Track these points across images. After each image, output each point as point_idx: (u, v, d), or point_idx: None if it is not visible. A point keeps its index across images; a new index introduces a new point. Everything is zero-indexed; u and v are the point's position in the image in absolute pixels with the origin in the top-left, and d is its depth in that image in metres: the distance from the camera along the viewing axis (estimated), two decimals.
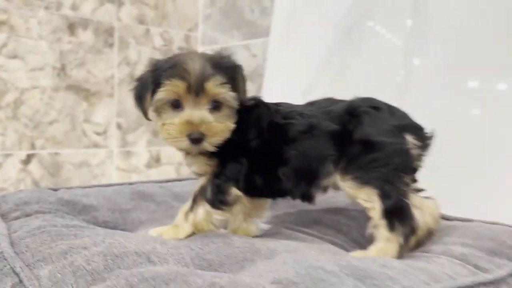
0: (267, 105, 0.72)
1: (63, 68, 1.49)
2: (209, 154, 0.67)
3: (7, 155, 1.41)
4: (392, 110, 0.72)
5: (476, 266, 0.58)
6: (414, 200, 0.68)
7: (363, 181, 0.66)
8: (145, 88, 0.66)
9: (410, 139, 0.70)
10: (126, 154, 1.65)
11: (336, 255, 0.64)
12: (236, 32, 1.64)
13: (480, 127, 0.91)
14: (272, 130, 0.69)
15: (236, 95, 0.65)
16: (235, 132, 0.66)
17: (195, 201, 0.68)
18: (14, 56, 1.40)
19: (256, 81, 1.56)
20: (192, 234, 0.67)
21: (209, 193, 0.67)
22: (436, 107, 0.93)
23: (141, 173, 1.70)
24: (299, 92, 1.20)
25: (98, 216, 0.77)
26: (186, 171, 1.82)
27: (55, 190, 0.86)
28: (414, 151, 0.69)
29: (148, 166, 1.71)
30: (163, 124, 0.65)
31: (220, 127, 0.64)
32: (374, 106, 0.70)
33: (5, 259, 0.54)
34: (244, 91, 0.67)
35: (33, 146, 1.45)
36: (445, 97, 0.94)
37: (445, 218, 0.77)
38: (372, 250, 0.66)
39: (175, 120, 0.64)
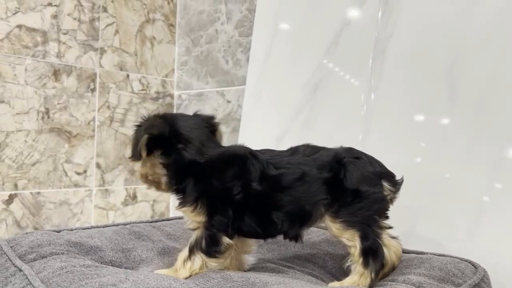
0: (258, 158, 0.79)
1: (47, 111, 1.57)
2: (197, 211, 0.76)
3: None
4: (369, 159, 0.85)
5: None
6: (384, 239, 0.81)
7: (349, 224, 0.78)
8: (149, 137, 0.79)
9: (386, 185, 0.84)
10: (104, 192, 1.72)
11: (317, 285, 0.77)
12: (211, 80, 1.78)
13: (427, 160, 1.07)
14: (265, 180, 0.77)
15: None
16: (219, 184, 0.75)
17: (192, 251, 0.77)
18: (1, 101, 1.46)
19: (230, 124, 1.70)
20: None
21: (203, 244, 0.76)
22: (395, 143, 1.10)
23: (118, 210, 1.77)
24: (272, 136, 1.35)
25: (104, 256, 0.86)
26: (160, 208, 1.91)
27: (58, 232, 0.94)
28: (389, 196, 0.84)
29: (125, 203, 1.78)
30: None
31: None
32: (356, 157, 0.83)
33: None
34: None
35: (15, 187, 1.50)
36: (403, 133, 1.10)
37: (404, 251, 0.92)
38: (347, 281, 0.78)
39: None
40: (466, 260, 0.84)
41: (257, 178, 0.77)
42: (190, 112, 1.84)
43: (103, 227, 1.01)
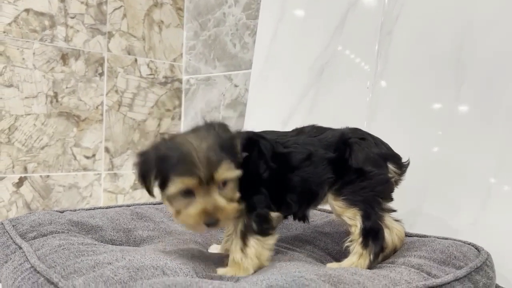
0: (266, 138, 0.78)
1: (55, 96, 1.58)
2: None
3: (0, 178, 1.48)
4: (375, 140, 0.84)
5: (429, 274, 0.71)
6: (387, 221, 0.80)
7: (352, 202, 0.77)
8: (149, 171, 0.68)
9: (391, 167, 0.83)
10: (113, 176, 1.74)
11: (314, 266, 0.76)
12: (218, 64, 1.77)
13: (434, 144, 1.04)
14: (277, 159, 0.76)
15: (238, 167, 0.69)
16: (248, 169, 0.71)
17: (245, 238, 0.73)
18: (10, 85, 1.48)
19: (237, 108, 1.69)
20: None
21: (255, 227, 0.73)
22: (401, 128, 1.08)
23: (127, 194, 1.79)
24: (278, 120, 1.34)
25: (104, 235, 0.87)
26: None
27: (62, 212, 0.95)
28: (394, 178, 0.83)
29: (134, 187, 1.80)
30: (177, 212, 0.68)
31: (232, 207, 0.68)
32: (362, 137, 0.82)
33: (38, 272, 0.63)
34: (241, 156, 0.71)
35: (25, 170, 1.52)
36: (409, 117, 1.08)
37: (406, 234, 0.91)
38: (346, 262, 0.78)
39: (190, 210, 0.66)
40: (469, 243, 0.82)
41: (270, 156, 0.76)
42: (198, 97, 1.85)
43: (106, 208, 1.01)
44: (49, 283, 0.60)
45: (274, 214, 0.75)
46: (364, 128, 1.11)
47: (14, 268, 0.70)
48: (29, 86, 1.52)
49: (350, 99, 1.18)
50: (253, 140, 0.76)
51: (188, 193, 0.67)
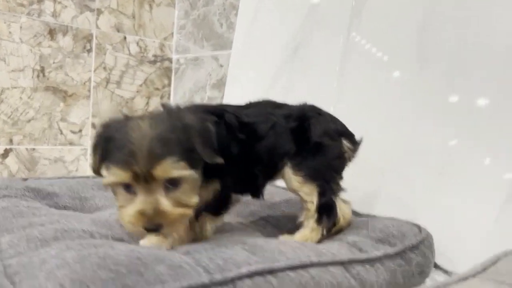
0: (228, 110, 0.74)
1: (42, 70, 1.61)
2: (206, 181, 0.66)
3: None
4: (331, 117, 0.86)
5: (360, 249, 0.71)
6: (338, 198, 0.81)
7: (310, 178, 0.77)
8: (95, 149, 0.63)
9: (345, 143, 0.83)
10: None
11: (264, 238, 0.77)
12: (206, 43, 1.77)
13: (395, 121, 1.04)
14: (244, 130, 0.73)
15: (194, 169, 0.60)
16: (220, 149, 0.64)
17: (200, 214, 0.69)
18: None
19: (222, 89, 1.69)
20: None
21: (214, 208, 0.71)
22: (366, 110, 1.08)
23: None
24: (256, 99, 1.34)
25: (59, 202, 0.89)
26: None
27: (25, 180, 0.98)
28: (347, 155, 0.83)
29: None
30: (120, 207, 0.61)
31: (178, 212, 0.60)
32: (319, 113, 0.83)
33: None
34: (207, 153, 0.61)
35: (11, 142, 1.56)
36: (372, 99, 1.08)
37: (356, 214, 0.91)
38: (298, 235, 0.77)
39: (127, 209, 0.59)
40: (412, 224, 0.82)
41: (237, 128, 0.73)
42: (187, 76, 1.86)
43: (70, 178, 1.04)
44: None
45: (233, 197, 0.73)
46: (332, 109, 1.11)
47: None
48: (15, 59, 1.55)
49: (320, 81, 1.18)
50: (218, 113, 0.71)
51: (129, 188, 0.59)
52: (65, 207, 0.89)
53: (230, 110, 0.75)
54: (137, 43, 1.83)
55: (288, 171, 0.78)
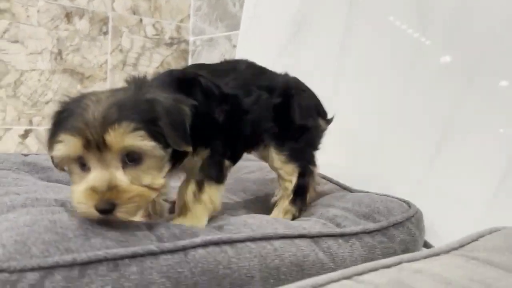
0: (205, 77, 0.68)
1: (59, 53, 1.65)
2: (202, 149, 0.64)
3: (7, 130, 1.58)
4: (311, 93, 0.83)
5: (337, 225, 0.68)
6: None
7: (293, 158, 0.76)
8: (48, 132, 0.56)
9: (320, 121, 0.81)
10: None
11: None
12: (220, 24, 1.75)
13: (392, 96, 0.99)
14: (227, 101, 0.68)
15: (158, 142, 0.52)
16: (199, 113, 0.59)
17: (201, 184, 0.64)
18: (15, 41, 1.56)
19: None
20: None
21: (213, 174, 0.65)
22: (367, 86, 1.03)
23: None
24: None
25: (51, 176, 0.91)
26: None
27: (26, 155, 1.01)
28: (322, 133, 0.81)
29: None
30: (72, 186, 0.54)
31: (135, 191, 0.52)
32: (302, 89, 0.81)
33: None
34: (174, 138, 0.54)
35: (30, 123, 1.62)
36: (373, 75, 1.03)
37: (348, 189, 0.87)
38: (271, 215, 0.76)
39: (79, 186, 0.52)
40: (402, 200, 0.77)
41: (219, 98, 0.68)
42: (203, 58, 1.85)
43: None
44: None
45: (227, 163, 0.69)
46: (333, 83, 1.07)
47: None
48: (34, 42, 1.60)
49: (323, 56, 1.14)
50: (191, 79, 0.66)
51: (84, 165, 0.53)
52: (57, 181, 0.90)
53: (207, 77, 0.68)
54: (153, 25, 1.84)
55: (271, 150, 0.76)
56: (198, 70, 0.70)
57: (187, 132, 0.55)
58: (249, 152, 0.80)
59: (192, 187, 0.64)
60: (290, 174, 0.76)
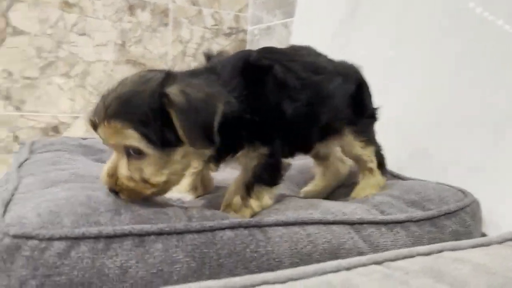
0: (282, 63, 0.64)
1: (123, 44, 1.71)
2: (257, 147, 0.60)
3: (75, 117, 1.68)
4: None
5: (382, 212, 0.63)
6: None
7: (370, 142, 0.76)
8: None
9: None
10: None
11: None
12: (278, 11, 1.73)
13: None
14: (305, 89, 0.65)
15: (150, 142, 0.51)
16: (262, 107, 0.58)
17: (250, 188, 0.61)
18: (83, 33, 1.64)
19: None
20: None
21: (266, 177, 0.62)
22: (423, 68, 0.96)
23: None
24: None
25: (103, 157, 0.94)
26: None
27: (84, 139, 1.05)
28: None
29: None
30: None
31: (131, 186, 0.54)
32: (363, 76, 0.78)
33: (9, 174, 0.72)
34: (191, 136, 0.52)
35: None
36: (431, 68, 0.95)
37: (399, 177, 0.82)
38: (361, 185, 0.76)
39: (103, 167, 0.57)
40: (458, 189, 0.70)
41: (296, 86, 0.64)
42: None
43: None
44: (10, 181, 0.68)
45: (285, 161, 0.68)
46: (387, 72, 1.01)
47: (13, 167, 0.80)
48: (99, 35, 1.67)
49: (377, 39, 1.08)
50: (266, 68, 0.61)
51: None
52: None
53: (286, 64, 0.64)
54: (212, 16, 1.86)
55: (349, 137, 0.74)
56: (272, 55, 0.65)
57: (209, 130, 0.51)
58: (321, 142, 0.74)
59: (240, 190, 0.62)
60: (370, 155, 0.76)
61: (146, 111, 0.51)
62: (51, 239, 0.45)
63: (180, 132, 0.51)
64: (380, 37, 1.07)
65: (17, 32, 1.54)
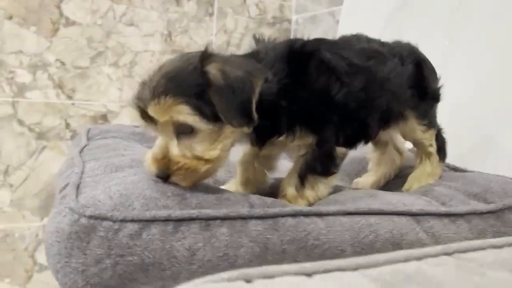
0: (329, 49, 0.62)
1: (169, 34, 1.74)
2: (302, 135, 0.59)
3: (123, 107, 1.72)
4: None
5: (443, 203, 0.62)
6: None
7: (430, 125, 0.74)
8: None
9: None
10: None
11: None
12: (324, 0, 1.71)
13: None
14: (356, 73, 0.62)
15: (202, 117, 0.51)
16: (310, 93, 0.57)
17: (304, 177, 0.61)
18: (131, 24, 1.68)
19: None
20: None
21: (319, 166, 0.61)
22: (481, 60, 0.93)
23: None
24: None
25: None
26: None
27: (136, 126, 1.08)
28: None
29: None
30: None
31: (187, 163, 0.53)
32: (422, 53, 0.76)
33: (72, 158, 0.75)
34: (224, 111, 0.52)
35: None
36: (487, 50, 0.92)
37: (457, 169, 0.80)
38: (416, 172, 0.76)
39: (148, 153, 0.56)
40: None
41: (346, 71, 0.61)
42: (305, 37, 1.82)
43: None
44: (73, 163, 0.71)
45: (341, 150, 0.62)
46: (440, 62, 0.99)
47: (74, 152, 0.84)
48: (146, 25, 1.71)
49: (430, 29, 1.05)
50: (310, 52, 0.60)
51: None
52: None
53: (333, 49, 0.62)
54: (257, 5, 1.85)
55: (412, 121, 0.72)
56: (320, 43, 0.63)
57: (247, 108, 0.51)
58: (384, 129, 0.72)
59: (294, 181, 0.61)
60: (430, 140, 0.75)
61: (193, 86, 0.52)
62: (123, 220, 0.47)
63: (218, 109, 0.52)
64: (434, 26, 1.04)
65: (69, 23, 1.59)
